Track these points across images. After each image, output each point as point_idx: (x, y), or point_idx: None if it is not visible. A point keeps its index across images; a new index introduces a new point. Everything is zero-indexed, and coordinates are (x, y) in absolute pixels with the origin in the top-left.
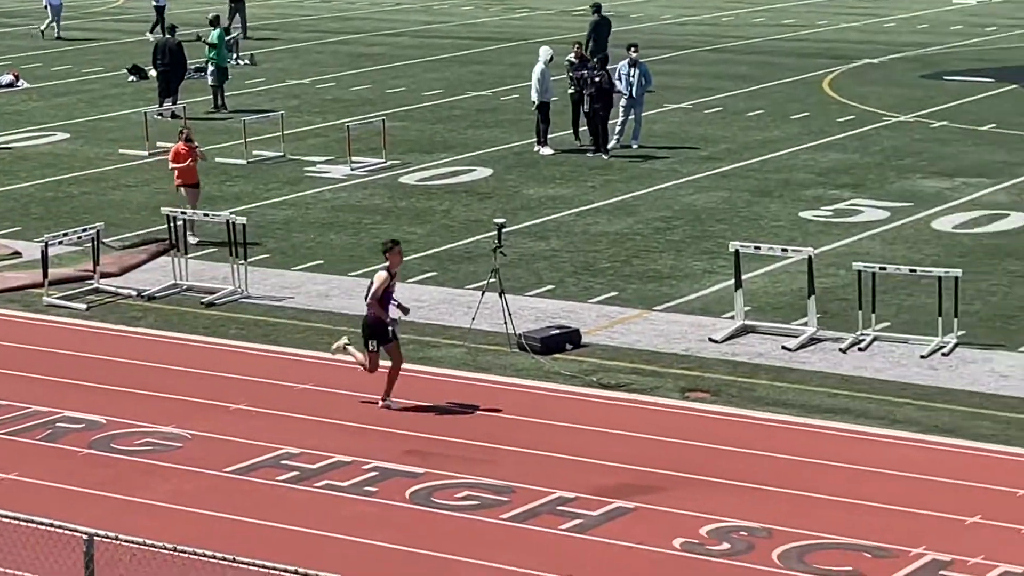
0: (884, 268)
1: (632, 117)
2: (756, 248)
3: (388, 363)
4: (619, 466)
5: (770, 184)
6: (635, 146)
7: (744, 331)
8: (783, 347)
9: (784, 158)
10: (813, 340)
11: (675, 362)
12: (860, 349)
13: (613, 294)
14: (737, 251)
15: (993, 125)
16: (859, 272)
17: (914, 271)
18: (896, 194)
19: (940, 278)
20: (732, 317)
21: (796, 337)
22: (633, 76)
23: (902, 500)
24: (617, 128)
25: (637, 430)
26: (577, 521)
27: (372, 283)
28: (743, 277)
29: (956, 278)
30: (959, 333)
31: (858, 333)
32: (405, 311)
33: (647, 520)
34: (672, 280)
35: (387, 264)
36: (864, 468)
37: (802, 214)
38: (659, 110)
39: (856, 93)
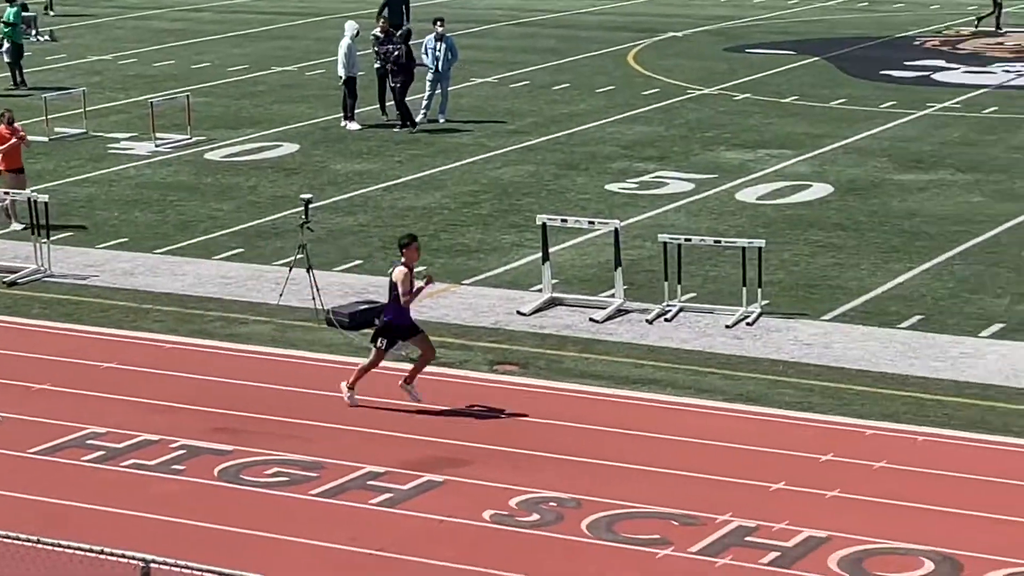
0: (689, 239)
1: (439, 91)
2: (563, 221)
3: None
4: (428, 439)
5: (576, 157)
6: (442, 120)
7: (552, 304)
8: (591, 319)
9: (590, 131)
10: (620, 311)
11: (484, 335)
12: (666, 320)
13: (421, 268)
14: (544, 224)
15: (795, 97)
16: (664, 244)
17: (718, 242)
18: (700, 166)
19: (744, 248)
20: (540, 290)
21: (603, 309)
22: (439, 50)
23: (708, 468)
24: (424, 102)
25: (446, 403)
26: (387, 495)
27: (396, 284)
28: (550, 250)
29: (759, 248)
30: (763, 303)
31: (664, 304)
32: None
33: (457, 493)
34: (480, 254)
35: (403, 260)
36: (671, 437)
37: (608, 187)
38: (466, 84)
39: (661, 66)
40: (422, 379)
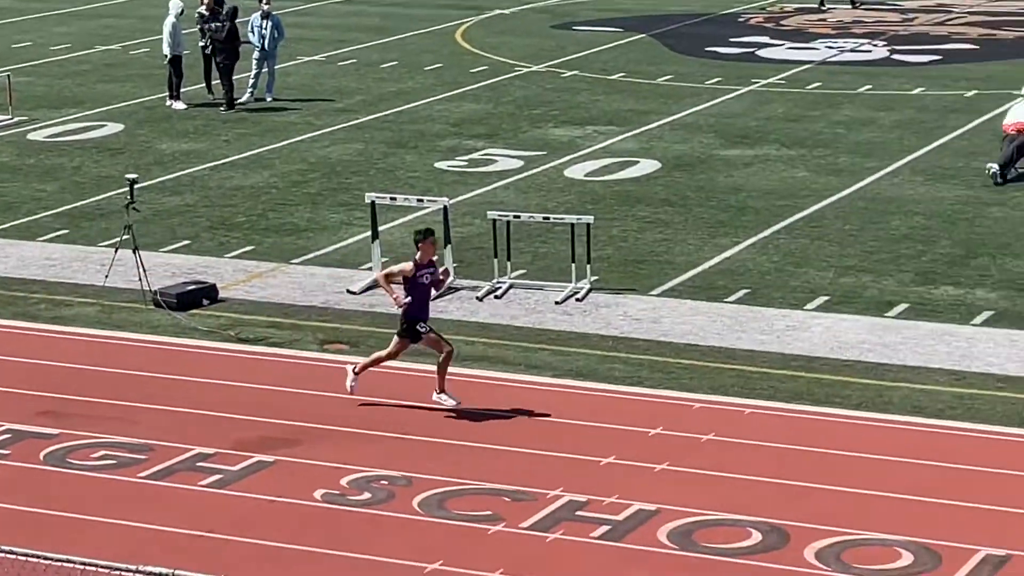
0: (518, 216)
1: (266, 70)
2: (392, 199)
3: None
4: (258, 420)
5: (405, 135)
6: (269, 99)
7: None
8: None
9: (419, 109)
10: (450, 289)
11: (313, 314)
12: (496, 297)
13: (250, 248)
14: (373, 202)
15: (622, 74)
16: (494, 221)
17: (547, 219)
18: (529, 143)
19: (573, 225)
20: (370, 268)
21: None
22: (265, 28)
23: (539, 444)
24: (250, 81)
25: (276, 383)
26: (217, 476)
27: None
28: (380, 228)
29: (588, 225)
30: (592, 278)
31: (494, 281)
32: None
33: (288, 473)
34: (309, 233)
35: (417, 255)
36: (501, 413)
37: (437, 164)
38: (293, 62)
39: (488, 43)
40: (239, 359)
